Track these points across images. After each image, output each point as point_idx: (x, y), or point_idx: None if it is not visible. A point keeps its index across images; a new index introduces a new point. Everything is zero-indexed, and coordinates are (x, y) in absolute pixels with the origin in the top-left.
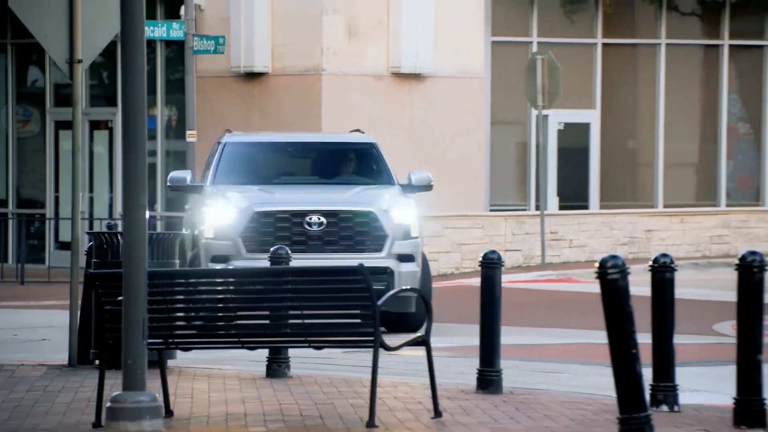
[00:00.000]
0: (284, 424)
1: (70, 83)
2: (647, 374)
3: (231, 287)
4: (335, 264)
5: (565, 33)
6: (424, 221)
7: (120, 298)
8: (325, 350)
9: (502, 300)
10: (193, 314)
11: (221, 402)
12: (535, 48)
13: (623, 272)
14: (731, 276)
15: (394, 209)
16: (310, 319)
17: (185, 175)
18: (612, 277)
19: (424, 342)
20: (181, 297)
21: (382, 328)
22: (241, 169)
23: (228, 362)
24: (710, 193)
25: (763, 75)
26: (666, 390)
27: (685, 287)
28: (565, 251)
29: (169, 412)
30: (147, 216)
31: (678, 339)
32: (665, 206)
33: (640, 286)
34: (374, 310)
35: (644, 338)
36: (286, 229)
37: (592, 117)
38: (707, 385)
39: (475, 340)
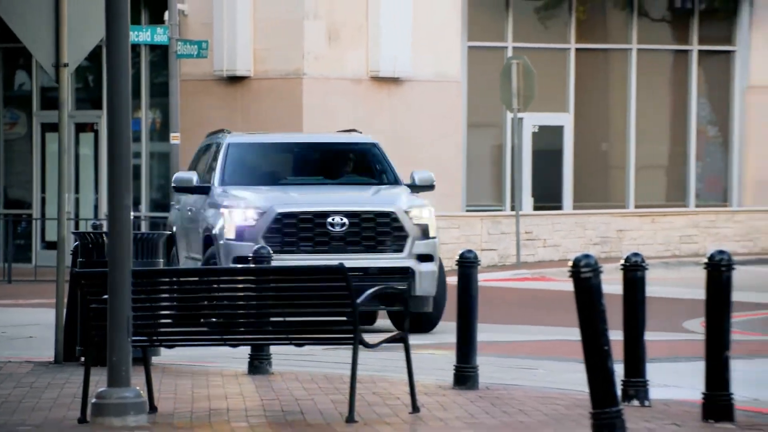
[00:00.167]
0: (266, 420)
1: (56, 87)
2: (619, 370)
3: (214, 285)
4: (357, 265)
5: (539, 38)
6: None
7: (105, 296)
8: (306, 347)
9: (479, 298)
10: (176, 312)
11: (204, 398)
12: (510, 53)
13: (596, 271)
14: (700, 275)
15: (413, 209)
16: (292, 317)
17: (191, 176)
18: (585, 276)
19: (402, 339)
20: (165, 295)
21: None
22: (247, 169)
23: (211, 359)
24: (680, 194)
25: (731, 79)
26: (637, 385)
27: (656, 285)
28: (540, 250)
29: (153, 408)
30: (131, 216)
31: (649, 336)
32: (636, 207)
33: (612, 284)
34: (354, 308)
35: (616, 335)
36: (308, 230)
37: (565, 120)
38: (677, 380)
39: (452, 337)
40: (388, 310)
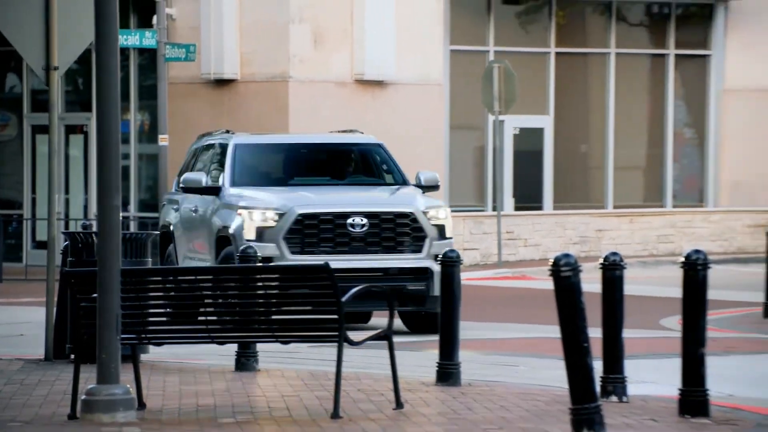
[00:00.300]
0: (252, 416)
1: (46, 89)
2: (598, 367)
3: (202, 284)
4: (378, 266)
5: (520, 42)
6: None
7: (94, 295)
8: (292, 345)
9: (461, 296)
10: (165, 310)
11: (192, 394)
12: (491, 56)
13: (575, 270)
14: (677, 273)
15: (431, 210)
16: (278, 315)
17: (200, 176)
18: (565, 275)
19: (386, 337)
20: (154, 294)
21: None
22: (256, 170)
23: (199, 357)
24: (657, 195)
25: (707, 82)
26: (615, 381)
27: (634, 284)
28: (521, 250)
29: (141, 405)
30: (120, 216)
31: (627, 333)
32: (615, 207)
33: (591, 283)
34: (339, 306)
35: (595, 332)
36: (329, 230)
37: (545, 122)
38: (654, 376)
39: (435, 335)
40: (400, 310)
